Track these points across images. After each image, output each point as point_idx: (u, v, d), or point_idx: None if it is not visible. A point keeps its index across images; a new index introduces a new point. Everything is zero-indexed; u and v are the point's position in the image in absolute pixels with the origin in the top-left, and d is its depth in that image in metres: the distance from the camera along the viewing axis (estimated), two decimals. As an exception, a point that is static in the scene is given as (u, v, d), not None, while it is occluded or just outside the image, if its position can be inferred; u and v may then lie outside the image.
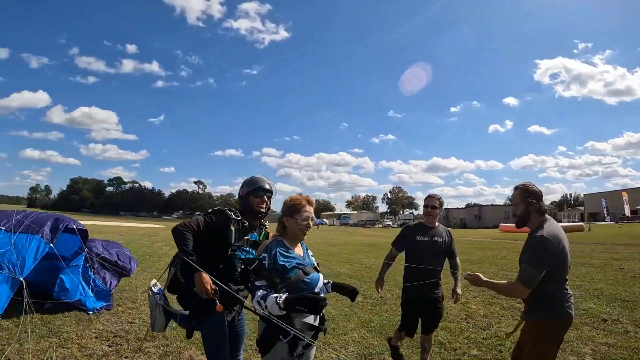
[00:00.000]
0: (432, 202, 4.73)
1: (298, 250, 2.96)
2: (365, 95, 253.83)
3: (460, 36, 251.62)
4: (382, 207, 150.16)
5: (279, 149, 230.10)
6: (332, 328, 6.17)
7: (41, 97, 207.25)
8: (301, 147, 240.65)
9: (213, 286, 3.15)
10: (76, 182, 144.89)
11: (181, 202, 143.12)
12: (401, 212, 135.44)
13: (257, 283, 2.73)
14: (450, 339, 5.69)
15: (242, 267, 3.04)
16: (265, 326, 2.77)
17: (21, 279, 5.66)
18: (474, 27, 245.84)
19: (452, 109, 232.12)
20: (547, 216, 3.28)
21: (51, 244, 6.22)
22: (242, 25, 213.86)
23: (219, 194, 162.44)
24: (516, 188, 3.39)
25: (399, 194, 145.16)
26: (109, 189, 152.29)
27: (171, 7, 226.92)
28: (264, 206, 3.62)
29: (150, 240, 22.90)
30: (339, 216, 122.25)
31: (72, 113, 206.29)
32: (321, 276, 2.96)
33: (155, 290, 3.64)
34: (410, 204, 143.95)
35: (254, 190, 3.58)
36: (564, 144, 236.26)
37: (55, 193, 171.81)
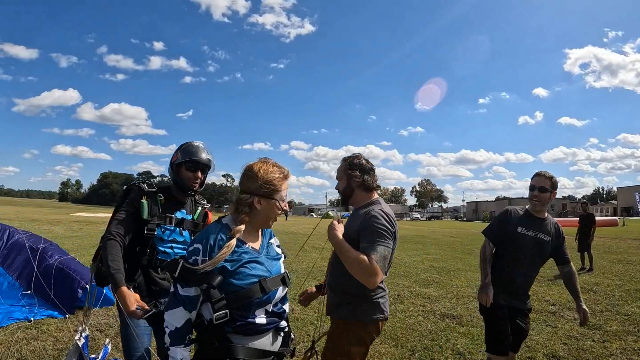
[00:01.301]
0: (542, 183, 3.33)
1: (254, 243, 2.05)
2: (393, 88, 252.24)
3: (488, 27, 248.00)
4: (411, 200, 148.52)
5: (307, 142, 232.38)
6: (336, 331, 5.40)
7: (71, 95, 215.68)
8: (329, 140, 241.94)
9: (141, 304, 2.40)
10: (106, 176, 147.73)
11: (209, 195, 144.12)
12: (430, 205, 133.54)
13: (181, 293, 1.88)
14: (471, 348, 4.82)
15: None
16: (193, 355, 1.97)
17: None
18: (503, 18, 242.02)
19: (481, 101, 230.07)
20: (378, 196, 2.87)
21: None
22: (267, 20, 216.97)
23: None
24: (343, 160, 3.01)
25: (428, 187, 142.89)
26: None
27: (196, 4, 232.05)
28: (197, 182, 2.91)
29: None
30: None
31: (102, 110, 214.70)
32: (283, 278, 2.07)
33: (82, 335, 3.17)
34: (439, 196, 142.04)
35: (188, 162, 2.86)
36: (596, 136, 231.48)
37: (86, 187, 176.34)
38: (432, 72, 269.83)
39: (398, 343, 4.94)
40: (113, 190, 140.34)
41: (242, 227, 1.98)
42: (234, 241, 1.91)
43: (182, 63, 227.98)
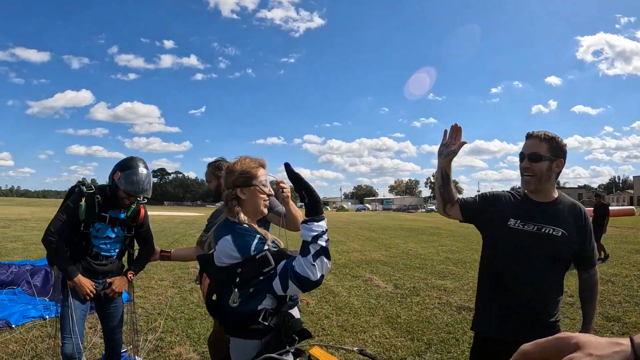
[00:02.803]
0: (533, 148, 2.31)
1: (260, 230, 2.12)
2: (404, 79, 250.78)
3: (499, 15, 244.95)
4: (426, 192, 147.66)
5: (320, 136, 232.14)
6: (351, 324, 5.36)
7: (84, 96, 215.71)
8: (342, 133, 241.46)
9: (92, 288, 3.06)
10: None
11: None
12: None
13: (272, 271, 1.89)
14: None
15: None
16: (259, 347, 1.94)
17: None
18: (513, 5, 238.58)
19: (493, 90, 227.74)
20: None
21: None
22: (276, 14, 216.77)
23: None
24: (208, 165, 3.48)
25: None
26: (153, 180, 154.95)
27: (205, 1, 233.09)
28: (130, 203, 3.18)
29: (184, 228, 22.61)
30: (381, 201, 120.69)
31: (115, 109, 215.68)
32: None
33: None
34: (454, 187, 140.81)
35: (127, 191, 3.08)
36: (610, 124, 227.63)
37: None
38: (443, 62, 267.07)
39: (414, 336, 4.87)
40: None
41: (244, 216, 2.05)
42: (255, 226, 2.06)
43: (192, 60, 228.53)
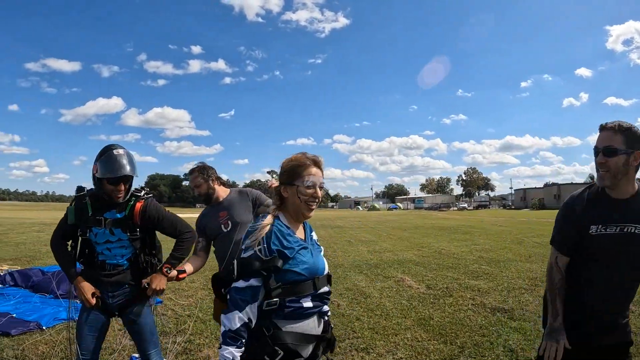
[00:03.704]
0: (608, 141, 2.08)
1: (300, 233, 2.05)
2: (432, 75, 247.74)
3: (526, 7, 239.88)
4: (457, 190, 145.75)
5: (350, 135, 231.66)
6: (382, 326, 5.24)
7: (115, 103, 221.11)
8: (372, 132, 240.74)
9: (94, 291, 2.89)
10: (153, 178, 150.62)
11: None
12: (476, 194, 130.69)
13: (237, 284, 1.84)
14: (523, 345, 4.52)
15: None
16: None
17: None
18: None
19: (523, 84, 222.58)
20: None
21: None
22: (301, 16, 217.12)
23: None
24: (192, 171, 3.65)
25: (474, 175, 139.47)
26: (185, 183, 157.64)
27: (229, 6, 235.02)
28: (121, 194, 2.86)
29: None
30: (413, 200, 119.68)
31: (146, 114, 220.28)
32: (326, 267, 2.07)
33: None
34: (486, 185, 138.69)
35: (106, 177, 2.78)
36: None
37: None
38: (470, 57, 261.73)
39: (447, 339, 4.72)
40: (161, 192, 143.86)
41: (271, 216, 1.99)
42: (269, 218, 1.97)
43: (220, 65, 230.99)
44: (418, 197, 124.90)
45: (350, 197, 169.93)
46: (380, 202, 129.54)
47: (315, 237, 2.18)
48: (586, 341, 2.18)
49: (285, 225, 1.96)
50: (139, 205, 2.94)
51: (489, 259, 10.86)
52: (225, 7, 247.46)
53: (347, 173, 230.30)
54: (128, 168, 2.81)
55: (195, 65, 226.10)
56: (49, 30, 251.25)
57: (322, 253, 2.11)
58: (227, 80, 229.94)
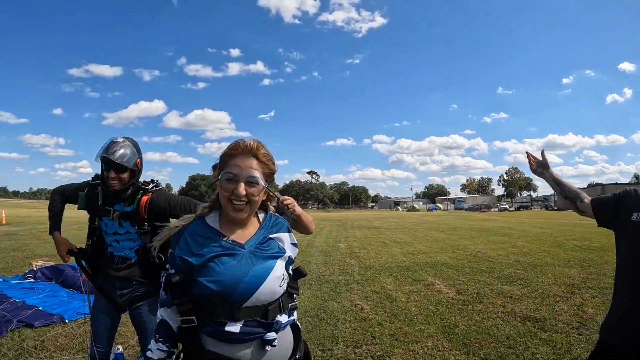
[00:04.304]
0: None
1: (238, 236, 1.66)
2: (472, 73, 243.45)
3: (565, 1, 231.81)
4: (499, 190, 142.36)
5: (390, 135, 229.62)
6: (404, 333, 4.97)
7: (157, 106, 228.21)
8: (411, 131, 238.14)
9: (71, 247, 2.92)
10: (194, 178, 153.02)
11: (294, 192, 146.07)
12: (518, 195, 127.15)
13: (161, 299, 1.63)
14: (552, 358, 4.23)
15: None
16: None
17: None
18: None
19: (565, 81, 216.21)
20: None
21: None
22: (337, 17, 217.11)
23: (332, 183, 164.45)
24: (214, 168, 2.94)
25: (515, 175, 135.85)
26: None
27: (266, 9, 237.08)
28: (115, 182, 2.73)
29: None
30: (453, 201, 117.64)
31: (187, 117, 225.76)
32: (275, 275, 1.62)
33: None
34: (528, 185, 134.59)
35: (101, 159, 2.72)
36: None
37: (175, 190, 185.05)
38: (509, 53, 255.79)
39: (470, 350, 4.41)
40: (201, 192, 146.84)
41: (205, 208, 1.71)
42: (188, 218, 1.69)
43: (259, 67, 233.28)
44: (458, 198, 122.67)
45: (390, 198, 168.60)
46: (420, 203, 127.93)
47: (286, 239, 1.76)
48: (622, 346, 1.94)
49: (209, 226, 1.66)
50: (145, 198, 2.83)
51: (526, 263, 10.35)
52: (261, 10, 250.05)
53: (387, 173, 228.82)
54: (118, 155, 2.68)
55: (234, 68, 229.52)
56: (90, 37, 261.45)
57: (280, 259, 1.67)
58: (266, 81, 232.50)
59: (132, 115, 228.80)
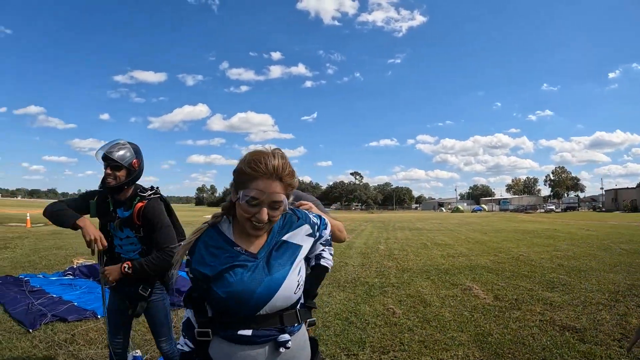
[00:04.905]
0: None
1: (251, 245, 1.59)
2: (515, 69, 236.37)
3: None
4: (545, 190, 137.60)
5: (433, 135, 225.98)
6: (434, 340, 4.74)
7: (201, 109, 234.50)
8: (455, 131, 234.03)
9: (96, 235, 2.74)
10: None
11: (338, 193, 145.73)
12: (565, 195, 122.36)
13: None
14: (592, 373, 3.91)
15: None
16: None
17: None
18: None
19: (611, 75, 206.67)
20: None
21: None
22: (377, 17, 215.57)
23: (376, 184, 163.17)
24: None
25: (562, 175, 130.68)
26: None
27: (305, 11, 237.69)
28: (112, 180, 2.83)
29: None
30: (498, 201, 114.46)
31: (231, 120, 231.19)
32: (289, 283, 1.56)
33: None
34: (575, 185, 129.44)
35: (103, 157, 2.84)
36: None
37: (220, 191, 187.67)
38: (553, 48, 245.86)
39: (502, 361, 4.17)
40: None
41: (218, 217, 1.65)
42: (201, 227, 1.63)
43: (301, 69, 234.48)
44: (503, 199, 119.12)
45: (434, 199, 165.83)
46: (465, 204, 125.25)
47: (300, 233, 1.69)
48: None
49: (222, 234, 1.60)
50: (139, 205, 2.88)
51: (569, 267, 9.82)
52: (301, 13, 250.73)
53: (431, 174, 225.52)
54: (116, 154, 2.82)
55: (276, 71, 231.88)
56: (134, 45, 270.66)
57: (293, 266, 1.60)
58: (308, 83, 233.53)
59: (177, 119, 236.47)
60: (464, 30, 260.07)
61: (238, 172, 1.53)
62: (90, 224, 2.77)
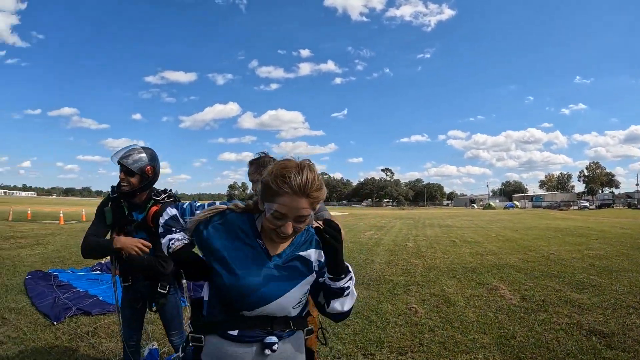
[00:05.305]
0: None
1: (273, 245, 1.60)
2: (546, 63, 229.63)
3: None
4: (579, 187, 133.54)
5: (465, 131, 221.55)
6: (455, 341, 4.61)
7: (231, 108, 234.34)
8: (487, 126, 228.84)
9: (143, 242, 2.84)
10: None
11: (369, 190, 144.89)
12: (600, 191, 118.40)
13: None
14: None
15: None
16: None
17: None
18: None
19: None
20: None
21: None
22: (405, 11, 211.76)
23: (407, 180, 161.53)
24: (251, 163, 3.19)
25: (597, 171, 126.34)
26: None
27: (332, 8, 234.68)
28: (126, 184, 2.88)
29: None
30: (531, 198, 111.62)
31: (261, 117, 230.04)
32: (292, 297, 1.58)
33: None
34: (610, 181, 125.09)
35: (114, 161, 2.89)
36: None
37: (250, 189, 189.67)
38: (585, 39, 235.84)
39: (526, 366, 4.00)
40: None
41: (239, 208, 1.65)
42: (220, 206, 1.65)
43: (330, 66, 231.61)
44: (536, 195, 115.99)
45: (465, 195, 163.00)
46: (497, 200, 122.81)
47: (312, 259, 1.64)
48: None
49: (253, 223, 1.62)
50: (154, 208, 2.87)
51: (601, 267, 9.44)
52: (328, 10, 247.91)
53: (462, 170, 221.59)
54: (130, 160, 2.86)
55: (305, 68, 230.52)
56: (164, 46, 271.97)
57: (302, 283, 1.60)
58: (338, 80, 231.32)
59: (208, 118, 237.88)
60: (493, 23, 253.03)
61: (265, 185, 1.50)
62: (124, 239, 2.84)
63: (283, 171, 1.45)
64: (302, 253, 1.63)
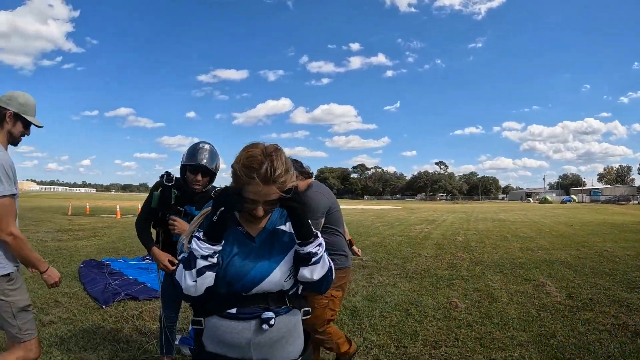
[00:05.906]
0: None
1: (252, 227, 1.66)
2: (603, 48, 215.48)
3: None
4: (639, 180, 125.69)
5: (520, 122, 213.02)
6: (492, 338, 4.46)
7: (284, 103, 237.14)
8: (543, 117, 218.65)
9: (170, 258, 3.03)
10: (322, 171, 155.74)
11: (422, 183, 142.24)
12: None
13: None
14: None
15: None
16: None
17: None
18: None
19: None
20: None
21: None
22: (454, 0, 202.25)
23: (461, 174, 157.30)
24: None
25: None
26: (354, 175, 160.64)
27: (380, 1, 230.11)
28: (199, 184, 3.01)
29: (372, 220, 22.61)
30: (589, 192, 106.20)
31: (313, 112, 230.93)
32: (280, 271, 1.61)
33: None
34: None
35: (190, 165, 2.97)
36: None
37: None
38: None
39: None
40: (330, 184, 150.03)
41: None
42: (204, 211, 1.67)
43: (381, 58, 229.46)
44: (594, 189, 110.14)
45: (521, 189, 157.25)
46: (553, 194, 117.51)
47: (290, 229, 1.68)
48: None
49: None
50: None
51: (657, 266, 8.90)
52: (376, 2, 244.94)
53: (518, 162, 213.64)
54: (205, 160, 2.96)
55: (355, 62, 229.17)
56: (215, 46, 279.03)
57: (285, 258, 1.64)
58: (389, 73, 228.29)
59: (261, 114, 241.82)
60: (545, 9, 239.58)
61: (233, 173, 1.56)
62: (157, 252, 3.07)
63: (248, 162, 1.50)
64: (280, 227, 1.69)
